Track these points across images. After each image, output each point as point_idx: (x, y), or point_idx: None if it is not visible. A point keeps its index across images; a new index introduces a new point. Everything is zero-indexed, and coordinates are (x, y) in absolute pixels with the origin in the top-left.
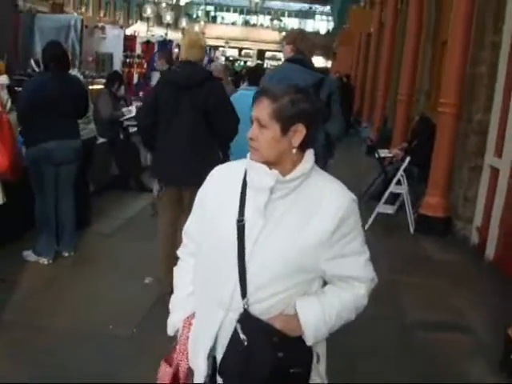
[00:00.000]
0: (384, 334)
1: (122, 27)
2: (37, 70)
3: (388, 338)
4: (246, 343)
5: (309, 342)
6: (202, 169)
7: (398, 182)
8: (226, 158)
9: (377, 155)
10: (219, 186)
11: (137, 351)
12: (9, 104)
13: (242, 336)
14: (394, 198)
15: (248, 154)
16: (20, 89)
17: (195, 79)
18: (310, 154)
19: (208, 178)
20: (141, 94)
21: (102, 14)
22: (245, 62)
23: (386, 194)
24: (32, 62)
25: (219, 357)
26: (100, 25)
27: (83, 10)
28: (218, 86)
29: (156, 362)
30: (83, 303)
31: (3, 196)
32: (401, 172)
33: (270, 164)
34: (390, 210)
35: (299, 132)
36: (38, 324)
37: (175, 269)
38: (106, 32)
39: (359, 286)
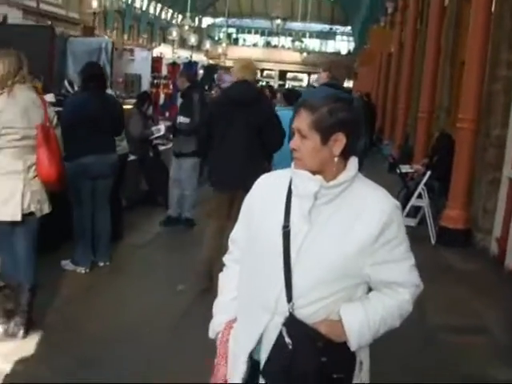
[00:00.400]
0: (408, 336)
1: (149, 49)
2: (70, 90)
3: (413, 340)
4: (290, 347)
5: (352, 347)
6: (252, 175)
7: (419, 196)
8: (269, 168)
9: (398, 171)
10: (265, 194)
11: (171, 354)
12: (55, 120)
13: (287, 340)
14: (416, 211)
15: (292, 164)
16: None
17: (249, 96)
18: (353, 162)
19: (254, 186)
20: (167, 114)
21: (125, 37)
22: (267, 83)
23: (408, 208)
24: (66, 83)
25: (263, 359)
26: (128, 47)
27: (108, 33)
28: (268, 104)
29: (189, 361)
30: (119, 309)
31: (49, 205)
32: (422, 186)
33: (314, 172)
34: (411, 222)
35: (339, 141)
36: (76, 327)
37: (221, 275)
38: (134, 54)
39: (404, 291)
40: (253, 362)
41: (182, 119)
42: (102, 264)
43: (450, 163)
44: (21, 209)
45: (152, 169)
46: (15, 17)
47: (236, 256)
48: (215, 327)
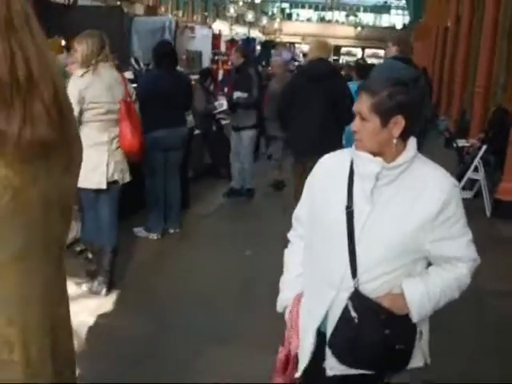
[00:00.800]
0: (462, 301)
1: (210, 27)
2: (137, 67)
3: (465, 306)
4: (356, 321)
5: (414, 319)
6: (327, 146)
7: (475, 169)
8: (341, 142)
9: (455, 145)
10: (327, 174)
11: (239, 312)
12: (134, 96)
13: (353, 314)
14: (472, 184)
15: (353, 145)
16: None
17: (325, 73)
18: (412, 143)
19: (317, 165)
20: (225, 89)
21: (180, 14)
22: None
23: (464, 181)
24: (132, 60)
25: (329, 332)
26: (189, 25)
27: (162, 10)
28: (342, 79)
29: (258, 320)
30: (189, 273)
31: (130, 175)
32: (478, 159)
33: (374, 154)
34: (468, 195)
35: (399, 124)
36: (147, 288)
37: (286, 251)
38: (195, 32)
39: (462, 266)
40: (320, 335)
41: (239, 94)
42: (172, 231)
43: (506, 138)
44: (106, 177)
45: (215, 142)
46: None
47: (300, 232)
48: (283, 302)
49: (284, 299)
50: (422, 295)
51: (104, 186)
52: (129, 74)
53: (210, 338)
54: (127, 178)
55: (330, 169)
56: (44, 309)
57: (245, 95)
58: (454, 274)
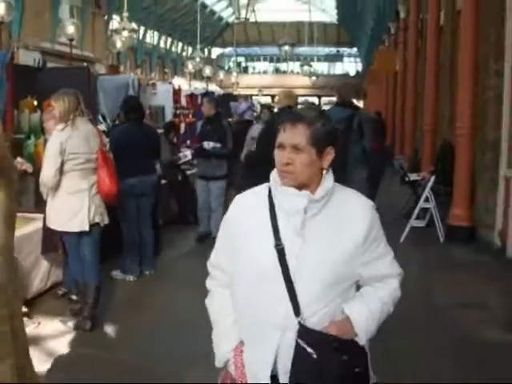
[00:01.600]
0: (418, 312)
1: (170, 83)
2: (104, 124)
3: (422, 315)
4: (315, 356)
5: (362, 341)
6: None
7: (427, 199)
8: None
9: (407, 179)
10: (246, 214)
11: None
12: (108, 146)
13: (309, 349)
14: (424, 213)
15: (273, 180)
16: None
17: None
18: (329, 173)
19: (231, 207)
20: (188, 142)
21: (138, 72)
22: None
23: (417, 210)
24: (100, 117)
25: (283, 374)
26: (151, 82)
27: (122, 68)
28: None
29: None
30: (166, 308)
31: (107, 218)
32: (428, 190)
33: (301, 187)
34: (421, 223)
35: (330, 154)
36: (129, 323)
37: (208, 302)
38: (156, 88)
39: (392, 281)
40: (273, 379)
41: (211, 144)
42: (147, 273)
43: (453, 168)
44: (88, 220)
45: (181, 191)
46: (33, 57)
47: (223, 281)
48: (222, 356)
49: (223, 352)
50: (366, 316)
51: (87, 228)
52: (102, 127)
53: (190, 360)
54: (106, 220)
55: (247, 208)
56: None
57: (218, 145)
58: (387, 290)
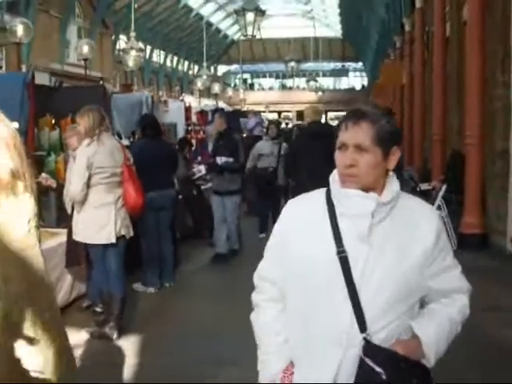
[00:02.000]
0: None
1: (182, 100)
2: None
3: None
4: (384, 376)
5: (432, 362)
6: None
7: (439, 208)
8: None
9: (418, 189)
10: (301, 222)
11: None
12: (131, 160)
13: (378, 369)
14: None
15: (333, 183)
16: None
17: (325, 131)
18: (394, 176)
19: (283, 214)
20: (199, 158)
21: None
22: (286, 124)
23: None
24: (115, 135)
25: None
26: (163, 99)
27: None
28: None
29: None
30: (187, 318)
31: (132, 231)
32: (439, 199)
33: (365, 191)
34: None
35: (396, 155)
36: (154, 330)
37: (254, 317)
38: (168, 105)
39: (461, 297)
40: None
41: (224, 159)
42: (167, 285)
43: (463, 177)
44: (115, 233)
45: (197, 206)
46: (43, 78)
47: (272, 295)
48: (271, 377)
49: (271, 372)
50: (436, 337)
51: (114, 240)
52: (125, 142)
53: (212, 366)
54: (131, 233)
55: (302, 215)
56: None
57: (230, 160)
58: (456, 307)
